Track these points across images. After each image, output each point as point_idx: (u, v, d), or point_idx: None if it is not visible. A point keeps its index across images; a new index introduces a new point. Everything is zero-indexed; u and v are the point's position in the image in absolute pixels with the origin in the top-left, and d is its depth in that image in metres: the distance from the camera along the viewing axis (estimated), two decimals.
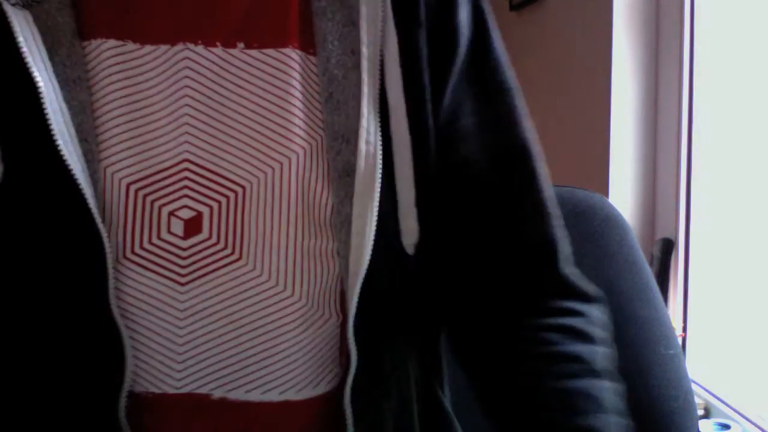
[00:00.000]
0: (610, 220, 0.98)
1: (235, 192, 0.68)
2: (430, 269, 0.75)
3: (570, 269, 0.77)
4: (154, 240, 0.67)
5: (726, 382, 1.71)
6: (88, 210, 0.64)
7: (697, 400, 1.34)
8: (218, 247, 0.67)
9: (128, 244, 0.67)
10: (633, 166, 1.89)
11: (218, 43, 0.69)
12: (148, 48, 0.68)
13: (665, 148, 1.86)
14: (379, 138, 0.70)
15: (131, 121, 0.67)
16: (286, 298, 0.69)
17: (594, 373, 0.72)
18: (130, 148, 0.67)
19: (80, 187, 0.64)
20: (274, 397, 0.69)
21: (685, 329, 1.83)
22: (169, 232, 0.67)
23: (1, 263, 0.66)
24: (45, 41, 0.66)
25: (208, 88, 0.68)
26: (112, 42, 0.68)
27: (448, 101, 0.74)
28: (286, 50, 0.70)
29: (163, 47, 0.68)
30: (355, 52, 0.70)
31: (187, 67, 0.68)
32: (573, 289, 0.76)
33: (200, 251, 0.67)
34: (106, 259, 0.65)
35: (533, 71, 2.30)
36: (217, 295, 0.67)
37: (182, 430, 0.68)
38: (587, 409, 0.70)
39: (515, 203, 0.75)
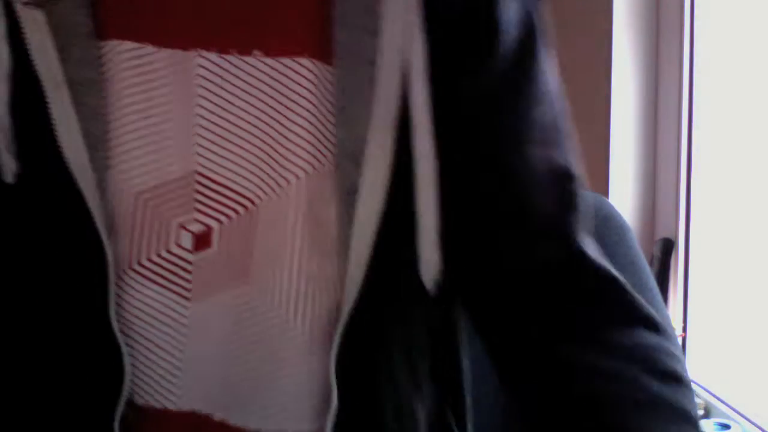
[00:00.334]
0: (610, 220, 0.98)
1: (246, 207, 0.65)
2: (456, 305, 0.72)
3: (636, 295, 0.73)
4: (162, 252, 0.65)
5: (726, 382, 1.71)
6: (90, 218, 0.63)
7: (697, 400, 1.34)
8: (226, 264, 0.65)
9: (134, 255, 0.65)
10: (633, 166, 1.88)
11: (233, 50, 0.65)
12: (165, 52, 0.65)
13: (665, 148, 1.86)
14: (391, 158, 0.64)
15: (143, 128, 0.64)
16: (290, 326, 0.66)
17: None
18: (140, 156, 0.64)
19: (83, 194, 0.62)
20: (271, 426, 0.67)
21: (685, 329, 1.83)
22: (177, 245, 0.65)
23: (2, 264, 0.66)
24: (56, 41, 0.63)
25: (219, 96, 0.65)
26: (128, 44, 0.64)
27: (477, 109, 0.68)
28: (302, 59, 0.65)
29: (178, 52, 0.65)
30: (374, 63, 0.64)
31: (199, 75, 0.65)
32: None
33: (208, 267, 0.65)
34: (107, 268, 0.63)
35: None
36: (221, 315, 0.65)
37: None
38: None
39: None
